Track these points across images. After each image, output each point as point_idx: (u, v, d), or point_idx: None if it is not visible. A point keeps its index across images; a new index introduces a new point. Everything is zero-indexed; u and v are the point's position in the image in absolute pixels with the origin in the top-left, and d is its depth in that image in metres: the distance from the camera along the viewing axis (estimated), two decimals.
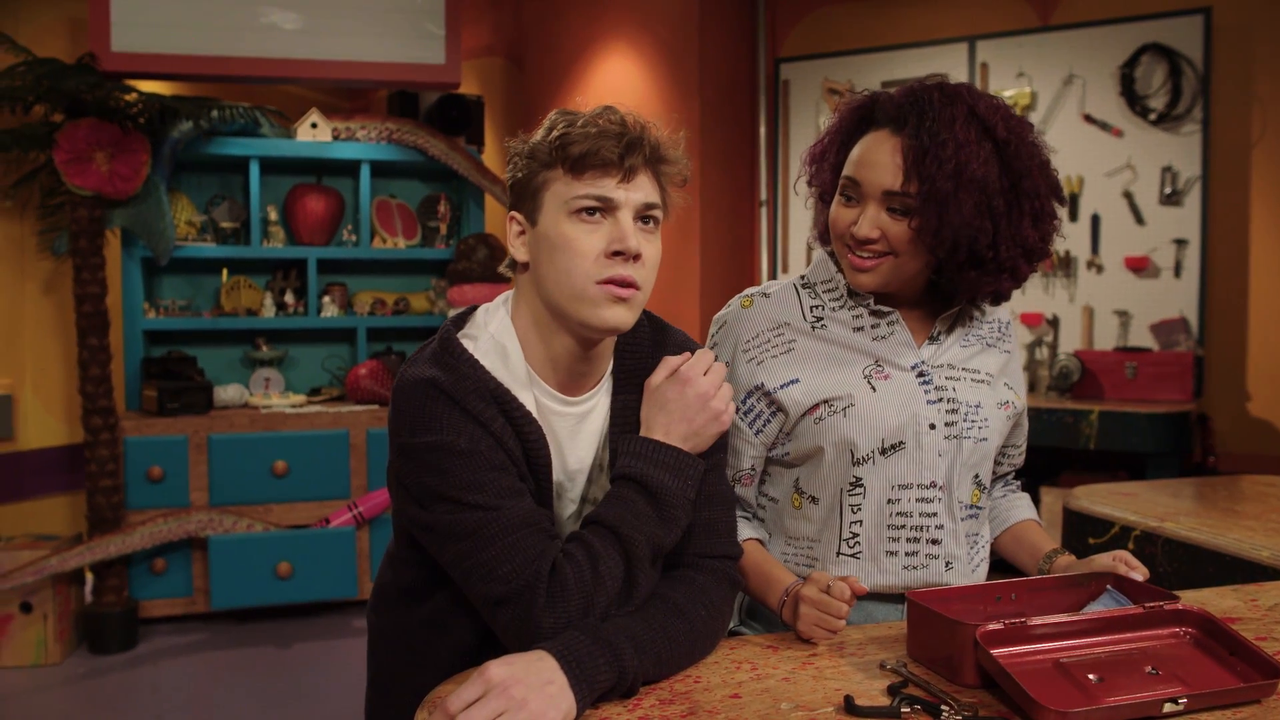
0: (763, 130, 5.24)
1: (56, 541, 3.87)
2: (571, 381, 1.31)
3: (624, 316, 1.22)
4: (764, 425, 1.48)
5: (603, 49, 5.14)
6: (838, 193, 1.47)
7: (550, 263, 1.23)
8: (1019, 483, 1.69)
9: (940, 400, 1.45)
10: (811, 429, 1.45)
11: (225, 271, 4.52)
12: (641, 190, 1.23)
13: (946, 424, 1.44)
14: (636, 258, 1.21)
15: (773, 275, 5.22)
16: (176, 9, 3.96)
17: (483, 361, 1.26)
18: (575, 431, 1.32)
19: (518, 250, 1.29)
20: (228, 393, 4.31)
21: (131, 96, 3.88)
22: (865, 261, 1.42)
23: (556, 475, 1.31)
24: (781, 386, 1.46)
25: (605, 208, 1.22)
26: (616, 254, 1.21)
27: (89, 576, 4.00)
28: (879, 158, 1.40)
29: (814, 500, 1.48)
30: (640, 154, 1.22)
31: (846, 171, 1.45)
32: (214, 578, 3.99)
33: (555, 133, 1.23)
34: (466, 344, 1.28)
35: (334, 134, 4.44)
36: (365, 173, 4.48)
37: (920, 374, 1.46)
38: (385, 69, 4.27)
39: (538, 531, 1.20)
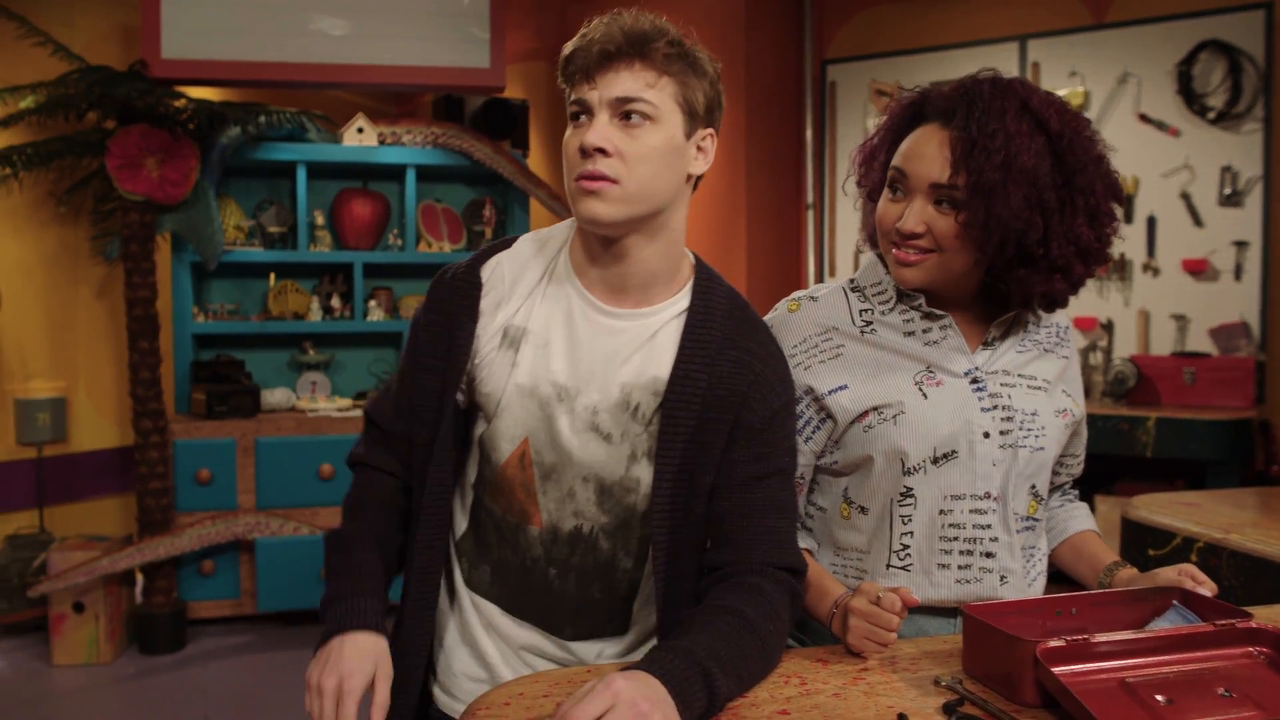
0: (809, 133, 5.18)
1: (107, 542, 3.92)
2: (608, 290, 1.32)
3: (596, 209, 1.24)
4: (813, 432, 1.44)
5: None
6: (885, 187, 1.43)
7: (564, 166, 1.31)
8: (1076, 492, 1.64)
9: (995, 408, 1.40)
10: (860, 437, 1.40)
11: (272, 276, 4.56)
12: (615, 86, 1.24)
13: (1001, 432, 1.39)
14: (602, 152, 1.23)
15: (819, 280, 5.16)
16: (226, 16, 4.00)
17: (518, 247, 1.37)
18: (597, 339, 1.31)
19: None
20: (275, 396, 4.35)
21: (181, 103, 3.93)
22: (910, 256, 1.38)
23: (560, 377, 1.30)
24: (830, 392, 1.42)
25: (585, 110, 1.25)
26: (583, 151, 1.24)
27: (139, 577, 4.05)
28: (927, 150, 1.36)
29: (863, 510, 1.43)
30: (609, 49, 1.24)
31: (894, 163, 1.41)
32: (261, 580, 4.02)
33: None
34: (524, 235, 1.41)
35: (380, 139, 4.46)
36: (411, 177, 4.49)
37: (974, 380, 1.41)
38: (430, 73, 4.28)
39: (389, 450, 1.41)
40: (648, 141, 1.25)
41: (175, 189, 3.88)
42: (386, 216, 4.65)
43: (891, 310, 1.45)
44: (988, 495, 1.38)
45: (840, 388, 1.41)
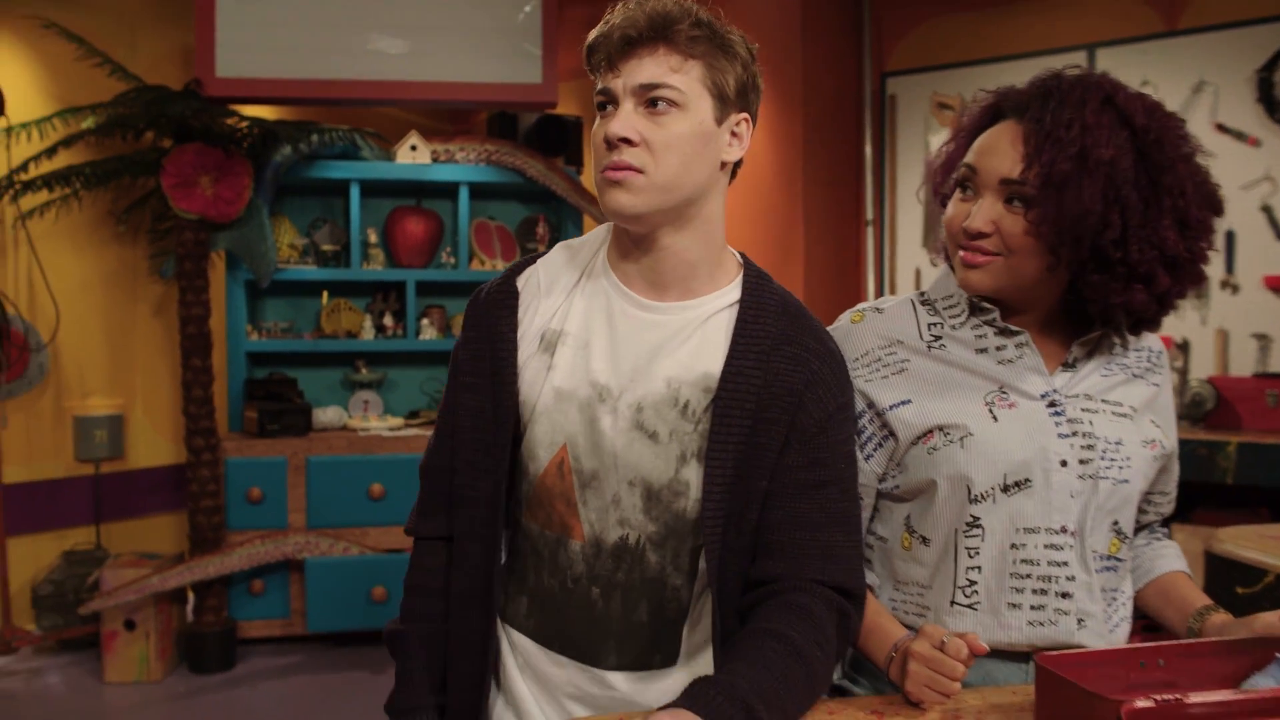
0: (868, 147, 5.06)
1: (159, 560, 3.92)
2: (647, 284, 1.26)
3: (621, 199, 1.19)
4: (874, 450, 1.34)
5: None
6: (955, 187, 1.33)
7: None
8: (1166, 531, 1.50)
9: (1074, 434, 1.28)
10: (923, 459, 1.30)
11: (325, 294, 4.55)
12: (639, 73, 1.19)
13: (1081, 461, 1.27)
14: (626, 141, 1.18)
15: (880, 297, 5.03)
16: (281, 34, 4.00)
17: (551, 255, 1.33)
18: (638, 334, 1.25)
19: None
20: (327, 415, 4.33)
21: (233, 121, 3.94)
22: (976, 258, 1.28)
23: (602, 376, 1.24)
24: (892, 407, 1.32)
25: (610, 100, 1.21)
26: (608, 142, 1.20)
27: (190, 596, 4.04)
28: (999, 144, 1.27)
29: (925, 541, 1.32)
30: (630, 35, 1.19)
31: (965, 160, 1.31)
32: (310, 600, 3.99)
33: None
34: (558, 244, 1.36)
35: (433, 156, 4.44)
36: (464, 194, 4.46)
37: (1051, 404, 1.30)
38: (483, 89, 4.25)
39: (440, 480, 1.33)
40: (675, 129, 1.19)
41: (229, 207, 3.88)
42: (440, 234, 4.63)
43: (963, 325, 1.35)
44: (1064, 529, 1.27)
45: (903, 402, 1.31)
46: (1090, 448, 1.28)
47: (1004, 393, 1.30)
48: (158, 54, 4.50)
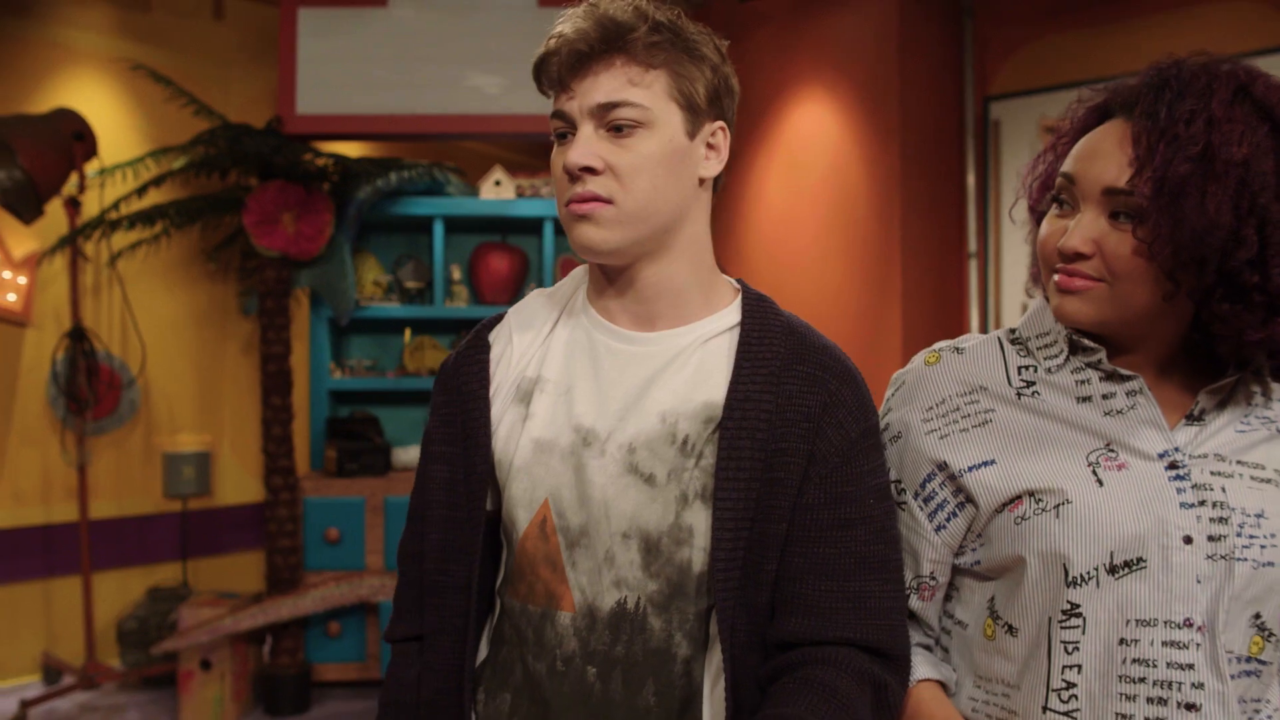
0: (971, 176, 4.80)
1: (236, 600, 3.88)
2: (633, 318, 1.14)
3: (589, 234, 1.06)
4: (947, 520, 1.13)
5: (795, 94, 4.87)
6: (1051, 202, 1.12)
7: None
8: None
9: (1201, 504, 1.04)
10: (1010, 531, 1.08)
11: (408, 331, 4.50)
12: (595, 91, 1.05)
13: (1210, 538, 1.03)
14: (589, 170, 1.05)
15: (983, 333, 4.74)
16: (362, 70, 3.98)
17: (526, 300, 1.21)
18: (625, 369, 1.11)
19: None
20: (408, 454, 4.25)
21: (309, 157, 3.92)
22: (1074, 281, 1.06)
23: (587, 419, 1.10)
24: (971, 469, 1.10)
25: (566, 124, 1.08)
26: (568, 173, 1.07)
27: (268, 636, 3.99)
28: (1103, 147, 1.06)
29: (1012, 630, 1.09)
30: (581, 49, 1.05)
31: (1063, 169, 1.10)
32: (386, 644, 3.89)
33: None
34: (535, 290, 1.26)
35: (517, 191, 4.36)
36: (549, 230, 4.37)
37: (1172, 465, 1.07)
38: None
39: (412, 570, 1.20)
40: (642, 150, 1.05)
41: (310, 244, 3.86)
42: (524, 270, 4.54)
43: (1062, 368, 1.13)
44: (1188, 623, 1.02)
45: (985, 463, 1.10)
46: (1223, 521, 1.04)
47: (1112, 451, 1.08)
48: (251, 93, 4.55)
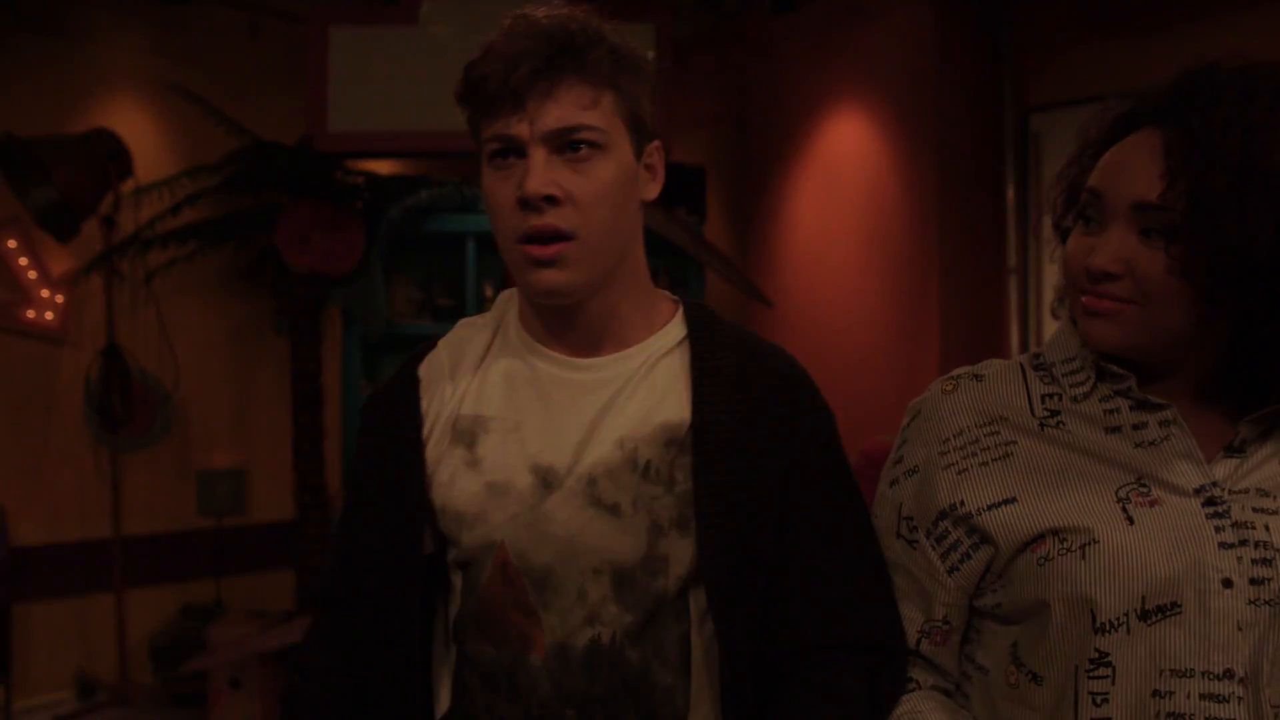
0: (1010, 191, 4.70)
1: (265, 618, 3.87)
2: (575, 348, 1.09)
3: (555, 280, 1.00)
4: (961, 561, 1.06)
5: (831, 109, 4.81)
6: (1077, 219, 1.05)
7: (490, 221, 1.06)
8: None
9: (1243, 543, 0.97)
10: (1033, 573, 1.01)
11: None
12: (551, 114, 0.98)
13: (1253, 581, 0.95)
14: (552, 200, 0.98)
15: (1023, 351, 4.63)
16: (395, 88, 3.98)
17: (453, 332, 1.15)
18: (576, 399, 1.07)
19: None
20: None
21: (340, 175, 3.93)
22: (1102, 303, 0.99)
23: (542, 457, 1.05)
24: (990, 507, 1.03)
25: (513, 148, 1.00)
26: (525, 203, 0.98)
27: None
28: (1133, 158, 0.99)
29: (1036, 679, 1.02)
30: (531, 67, 0.98)
31: (1089, 182, 1.03)
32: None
33: (466, 65, 1.04)
34: (460, 321, 1.20)
35: None
36: None
37: (1210, 501, 0.99)
38: None
39: (342, 631, 1.13)
40: (602, 176, 1.00)
41: (341, 262, 3.86)
42: None
43: (1089, 396, 1.06)
44: (1229, 674, 0.94)
45: (1005, 501, 1.03)
46: (1267, 563, 0.96)
47: (1143, 486, 1.00)
48: (284, 111, 4.57)
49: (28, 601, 4.00)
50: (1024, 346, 4.64)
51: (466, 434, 1.08)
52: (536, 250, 1.00)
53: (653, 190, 1.09)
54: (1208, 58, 1.03)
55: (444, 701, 1.11)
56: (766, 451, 1.04)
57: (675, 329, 1.11)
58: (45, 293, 4.08)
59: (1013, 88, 4.68)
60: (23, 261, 4.04)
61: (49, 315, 4.09)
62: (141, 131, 4.20)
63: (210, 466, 4.40)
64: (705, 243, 4.33)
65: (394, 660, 1.08)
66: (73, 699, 4.03)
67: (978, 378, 1.12)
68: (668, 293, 1.17)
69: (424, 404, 1.10)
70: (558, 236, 0.99)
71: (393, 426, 1.10)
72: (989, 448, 1.06)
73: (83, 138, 3.79)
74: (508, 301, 1.16)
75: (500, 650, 1.05)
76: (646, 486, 1.03)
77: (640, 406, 1.05)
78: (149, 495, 4.30)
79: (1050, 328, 4.70)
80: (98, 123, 3.99)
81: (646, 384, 1.06)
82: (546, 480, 1.04)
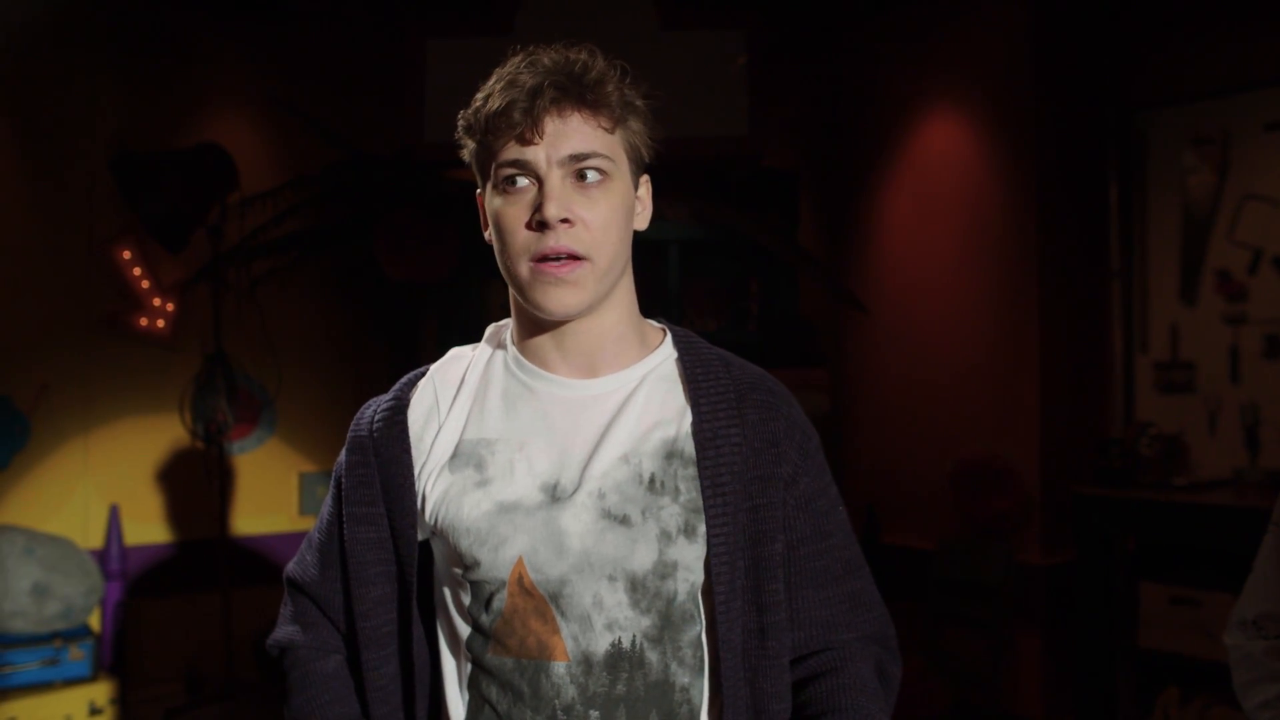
0: (1112, 191, 4.56)
1: None
2: (576, 369, 1.15)
3: (568, 300, 1.07)
4: None
5: (925, 110, 4.72)
6: None
7: (497, 243, 1.12)
8: None
9: None
10: None
11: None
12: (568, 140, 1.06)
13: None
14: (566, 223, 1.05)
15: (1127, 355, 4.47)
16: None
17: (445, 359, 1.21)
18: (579, 419, 1.13)
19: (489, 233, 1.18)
20: None
21: (437, 185, 4.00)
22: None
23: (550, 475, 1.11)
24: None
25: (525, 173, 1.07)
26: (542, 225, 1.06)
27: None
28: None
29: None
30: (550, 97, 1.05)
31: None
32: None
33: (476, 99, 1.12)
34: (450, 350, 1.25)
35: None
36: (674, 253, 4.33)
37: None
38: (692, 143, 4.13)
39: (323, 619, 1.21)
40: (611, 203, 1.09)
41: (436, 270, 3.93)
42: (649, 297, 4.52)
43: None
44: None
45: None
46: None
47: None
48: (381, 120, 4.67)
49: (140, 598, 4.16)
50: (1127, 352, 4.49)
51: (472, 456, 1.13)
52: (553, 269, 1.06)
53: (644, 221, 1.18)
54: None
55: (458, 711, 1.15)
56: (765, 464, 1.11)
57: (666, 350, 1.18)
58: (157, 301, 4.24)
59: (1115, 84, 4.54)
60: (136, 271, 4.20)
61: (160, 323, 4.26)
62: (246, 144, 4.34)
63: (311, 469, 4.52)
64: (797, 248, 4.30)
65: (409, 660, 1.18)
66: (182, 692, 4.17)
67: None
68: (653, 321, 1.25)
69: (413, 428, 1.16)
70: (572, 257, 1.06)
71: (381, 450, 1.15)
72: None
73: (191, 152, 3.93)
74: (498, 330, 1.23)
75: (521, 659, 1.09)
76: (653, 497, 1.09)
77: (640, 422, 1.12)
78: (254, 497, 4.44)
79: (1156, 330, 4.55)
80: (205, 137, 4.13)
81: (644, 401, 1.13)
82: (556, 496, 1.09)
